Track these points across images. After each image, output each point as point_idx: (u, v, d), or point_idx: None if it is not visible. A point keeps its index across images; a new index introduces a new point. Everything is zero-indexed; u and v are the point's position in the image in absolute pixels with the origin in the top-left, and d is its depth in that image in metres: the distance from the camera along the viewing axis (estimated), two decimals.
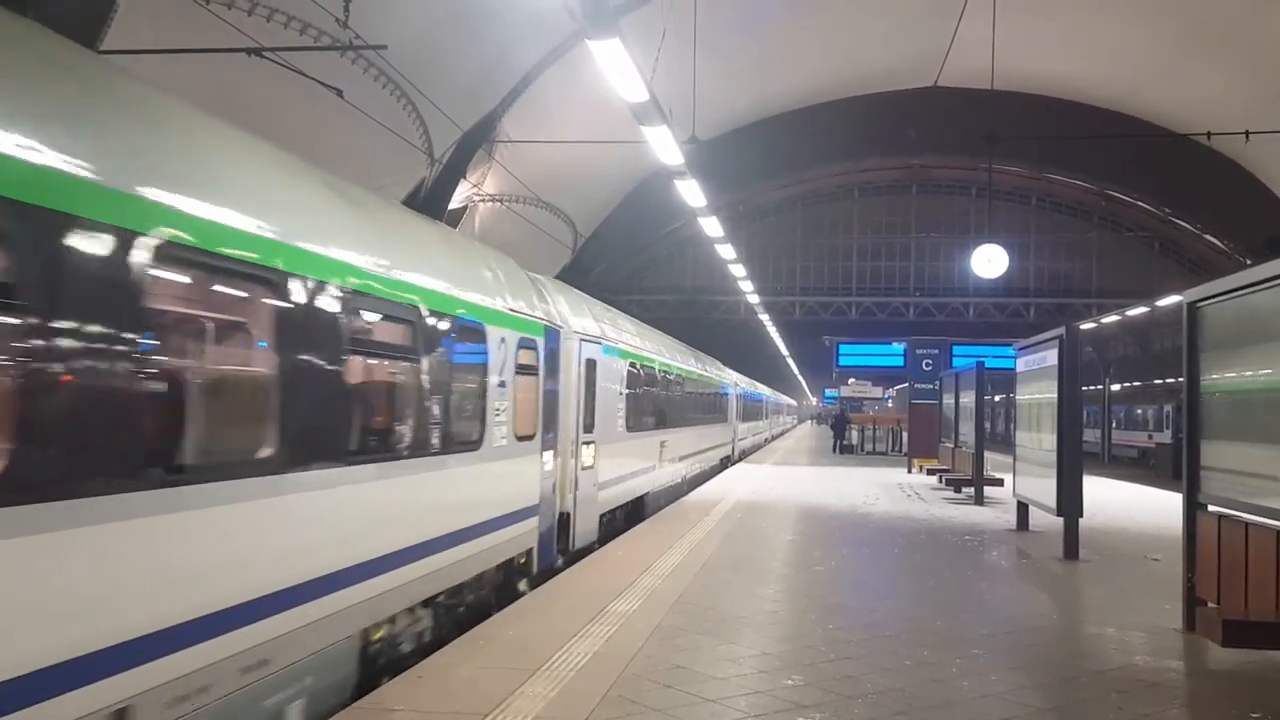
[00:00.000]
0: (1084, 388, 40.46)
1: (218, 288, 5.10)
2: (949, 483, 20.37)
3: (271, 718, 5.16)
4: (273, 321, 5.24)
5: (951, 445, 21.51)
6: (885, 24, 27.25)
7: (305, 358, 5.45)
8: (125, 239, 4.05)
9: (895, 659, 6.84)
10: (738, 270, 28.30)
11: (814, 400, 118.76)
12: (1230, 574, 7.07)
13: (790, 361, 71.25)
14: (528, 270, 11.58)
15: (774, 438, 58.77)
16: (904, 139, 37.50)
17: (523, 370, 9.37)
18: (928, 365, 32.19)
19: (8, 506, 3.48)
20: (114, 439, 4.02)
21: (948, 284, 42.27)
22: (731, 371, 34.83)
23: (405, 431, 6.86)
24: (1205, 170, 31.28)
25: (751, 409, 42.86)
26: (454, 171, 23.07)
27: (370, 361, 6.67)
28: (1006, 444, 19.22)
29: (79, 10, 12.35)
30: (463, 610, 8.13)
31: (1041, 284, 42.35)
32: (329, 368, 5.67)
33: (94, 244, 3.90)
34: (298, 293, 5.36)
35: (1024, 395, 14.49)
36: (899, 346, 35.33)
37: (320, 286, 5.58)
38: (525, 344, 9.48)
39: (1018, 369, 14.75)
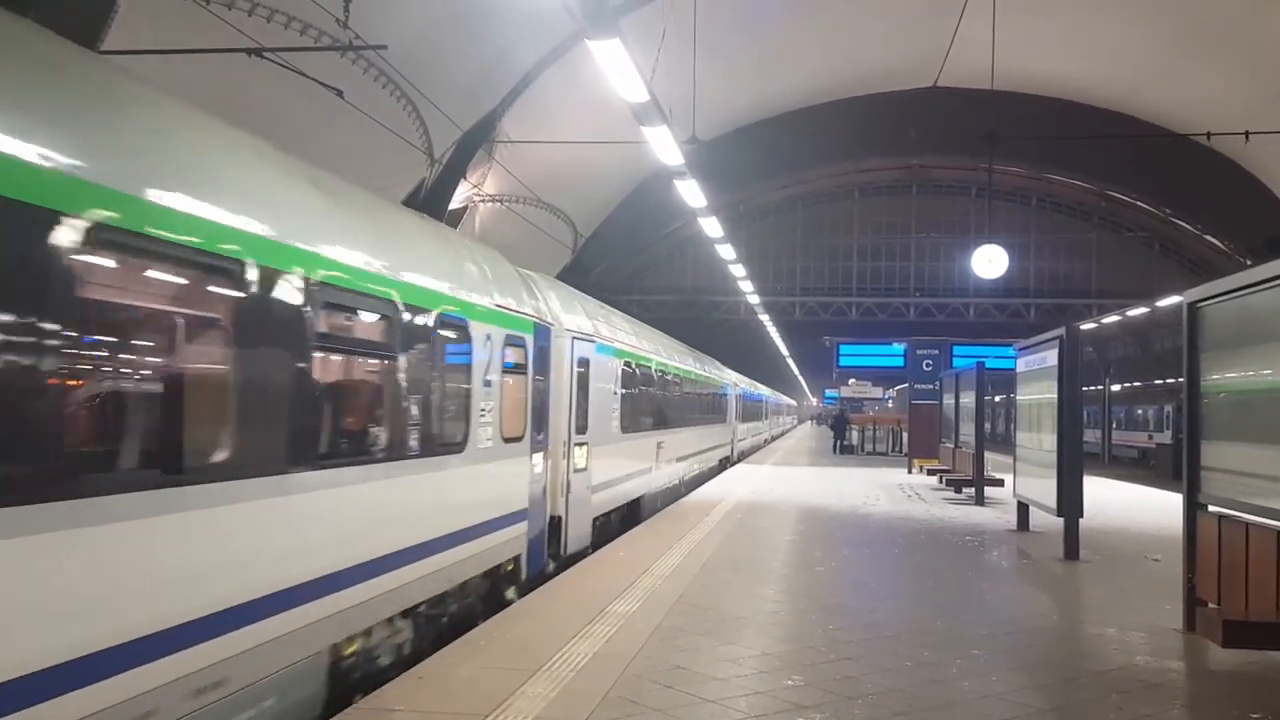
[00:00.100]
0: (1084, 388, 40.49)
1: (152, 274, 4.58)
2: (949, 483, 20.37)
3: None
4: (230, 316, 4.86)
5: (952, 445, 21.51)
6: (885, 24, 27.25)
7: (264, 355, 5.10)
8: (44, 219, 3.69)
9: (896, 659, 6.84)
10: (738, 270, 28.30)
11: (814, 400, 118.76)
12: (1230, 574, 7.06)
13: (790, 362, 71.25)
14: (526, 269, 11.55)
15: (774, 438, 58.75)
16: (904, 139, 37.50)
17: (510, 369, 9.05)
18: (928, 365, 32.21)
19: None
20: (29, 442, 3.64)
21: (948, 284, 42.27)
22: (731, 372, 34.77)
23: (379, 433, 6.53)
24: (1205, 170, 31.28)
25: (751, 409, 42.82)
26: (454, 172, 23.07)
27: (340, 359, 6.38)
28: (1007, 444, 19.21)
29: (80, 10, 12.35)
30: (446, 620, 7.85)
31: (1042, 284, 42.35)
32: (291, 366, 5.34)
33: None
34: (254, 284, 4.98)
35: (1024, 396, 14.49)
36: (899, 347, 35.36)
37: (280, 277, 5.19)
38: (513, 342, 9.16)
39: (1018, 369, 14.75)
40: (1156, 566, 11.12)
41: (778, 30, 26.24)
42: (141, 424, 4.59)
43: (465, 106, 21.24)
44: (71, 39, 4.49)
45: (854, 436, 40.73)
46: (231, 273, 4.86)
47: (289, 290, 5.29)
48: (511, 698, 5.71)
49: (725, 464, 29.49)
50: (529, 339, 9.66)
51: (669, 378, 19.55)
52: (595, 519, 12.61)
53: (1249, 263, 30.37)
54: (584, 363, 12.01)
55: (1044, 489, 12.47)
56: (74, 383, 4.12)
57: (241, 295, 4.90)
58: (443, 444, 7.43)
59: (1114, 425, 53.31)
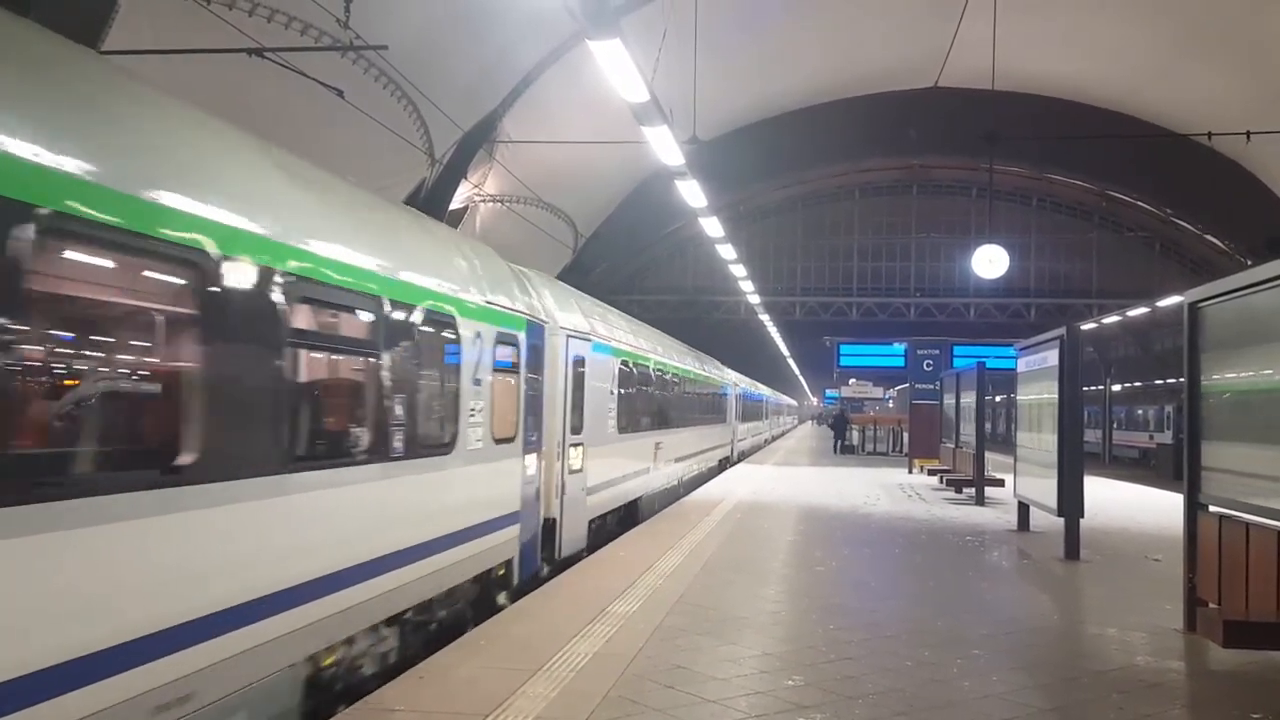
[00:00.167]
0: (1085, 388, 40.48)
1: (106, 264, 4.24)
2: (950, 483, 20.37)
3: None
4: (196, 310, 4.56)
5: (952, 445, 21.51)
6: (885, 24, 27.25)
7: (229, 353, 4.78)
8: None
9: (896, 659, 6.84)
10: (738, 270, 28.31)
11: (815, 400, 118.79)
12: (1231, 574, 7.06)
13: (791, 362, 71.27)
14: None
15: (774, 438, 58.75)
16: (904, 139, 37.49)
17: (502, 368, 8.77)
18: (928, 366, 32.22)
19: None
20: None
21: (948, 284, 42.27)
22: (731, 371, 34.72)
23: (360, 434, 6.23)
24: (1206, 170, 31.27)
25: (751, 409, 42.81)
26: (455, 172, 23.08)
27: (316, 357, 6.01)
28: (1007, 444, 19.21)
29: (80, 10, 12.36)
30: (434, 627, 7.61)
31: (1042, 284, 42.35)
32: (260, 364, 5.05)
33: None
34: (223, 276, 4.69)
35: (1025, 396, 14.49)
36: (900, 347, 35.36)
37: (251, 270, 4.90)
38: (505, 340, 8.86)
39: (1018, 369, 14.75)
40: (1157, 566, 11.12)
41: (778, 30, 26.25)
42: (88, 425, 4.22)
43: (466, 106, 21.25)
44: (72, 39, 4.49)
45: (854, 436, 40.75)
46: (187, 263, 4.50)
47: (257, 283, 4.97)
48: (512, 697, 5.71)
49: (725, 464, 29.42)
50: (521, 337, 9.39)
51: (667, 377, 19.34)
52: (591, 521, 12.39)
53: (1249, 263, 30.36)
54: (579, 362, 11.81)
55: (1044, 489, 12.47)
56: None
57: (203, 288, 4.58)
58: (429, 445, 7.14)
59: (1114, 425, 53.31)
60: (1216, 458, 7.64)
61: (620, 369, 14.40)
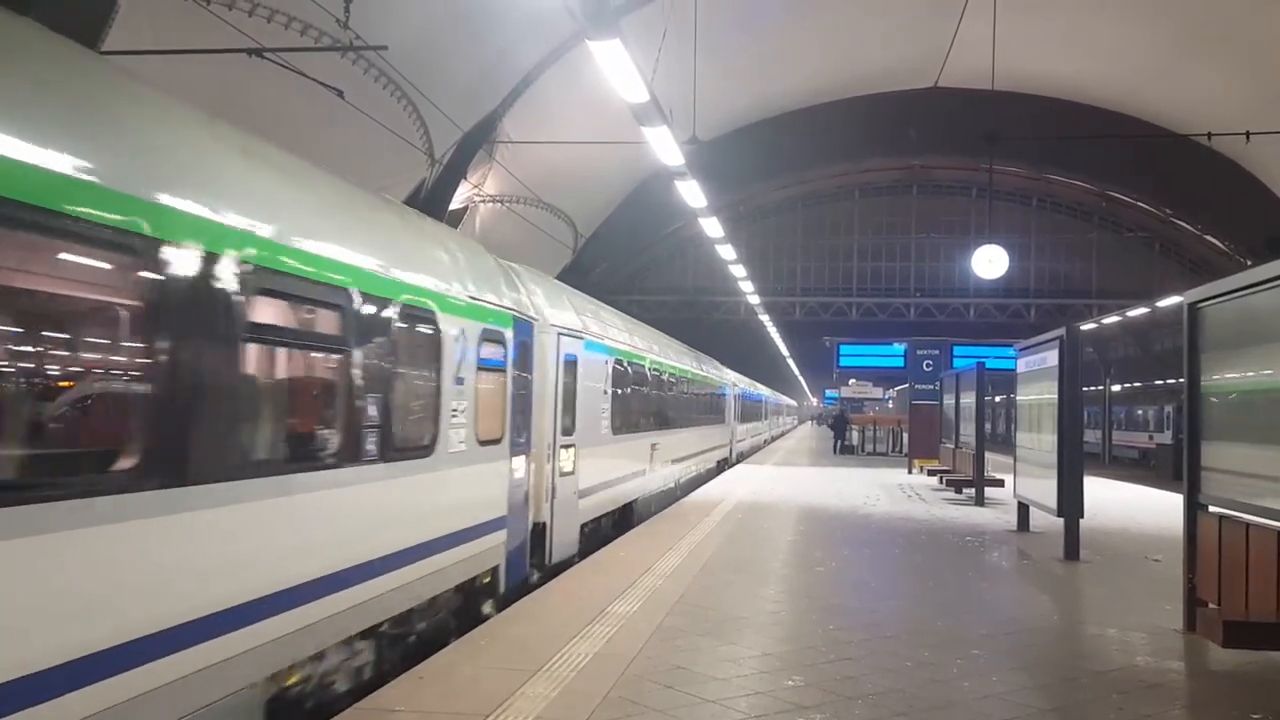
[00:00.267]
0: (1084, 388, 40.48)
1: (26, 250, 3.79)
2: (949, 483, 20.37)
3: None
4: (131, 301, 4.22)
5: (952, 446, 21.51)
6: (885, 24, 27.26)
7: (182, 348, 4.40)
8: None
9: (896, 660, 6.84)
10: (738, 271, 28.31)
11: (814, 401, 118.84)
12: (1231, 575, 7.07)
13: (791, 362, 71.28)
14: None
15: (774, 439, 58.74)
16: (904, 139, 37.51)
17: (487, 366, 8.37)
18: (928, 366, 32.25)
19: None
20: None
21: (948, 284, 42.29)
22: (730, 371, 34.62)
23: (328, 436, 5.86)
24: (1206, 171, 31.29)
25: (750, 410, 42.76)
26: (454, 172, 23.09)
27: (281, 353, 5.67)
28: (1007, 445, 19.21)
29: (80, 11, 12.36)
30: (413, 639, 7.25)
31: (1042, 284, 42.36)
32: (215, 361, 4.67)
33: None
34: (169, 265, 4.30)
35: (1024, 396, 14.49)
36: (899, 347, 35.40)
37: (196, 257, 4.49)
38: (490, 337, 8.46)
39: (1018, 370, 14.75)
40: (1157, 567, 11.12)
41: (778, 30, 26.26)
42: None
43: (466, 107, 21.26)
44: (73, 39, 4.49)
45: (854, 437, 40.77)
46: (117, 247, 4.08)
47: (202, 272, 4.57)
48: (512, 698, 5.71)
49: (723, 466, 29.26)
50: (509, 334, 9.00)
51: (664, 377, 19.03)
52: (583, 525, 12.05)
53: (1249, 263, 30.37)
54: (571, 360, 11.45)
55: (1044, 489, 12.47)
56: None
57: (138, 277, 4.19)
58: (405, 447, 6.74)
59: (1114, 425, 53.34)
60: (1216, 458, 7.64)
61: (615, 368, 14.05)
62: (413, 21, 17.50)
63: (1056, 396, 12.15)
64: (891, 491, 20.70)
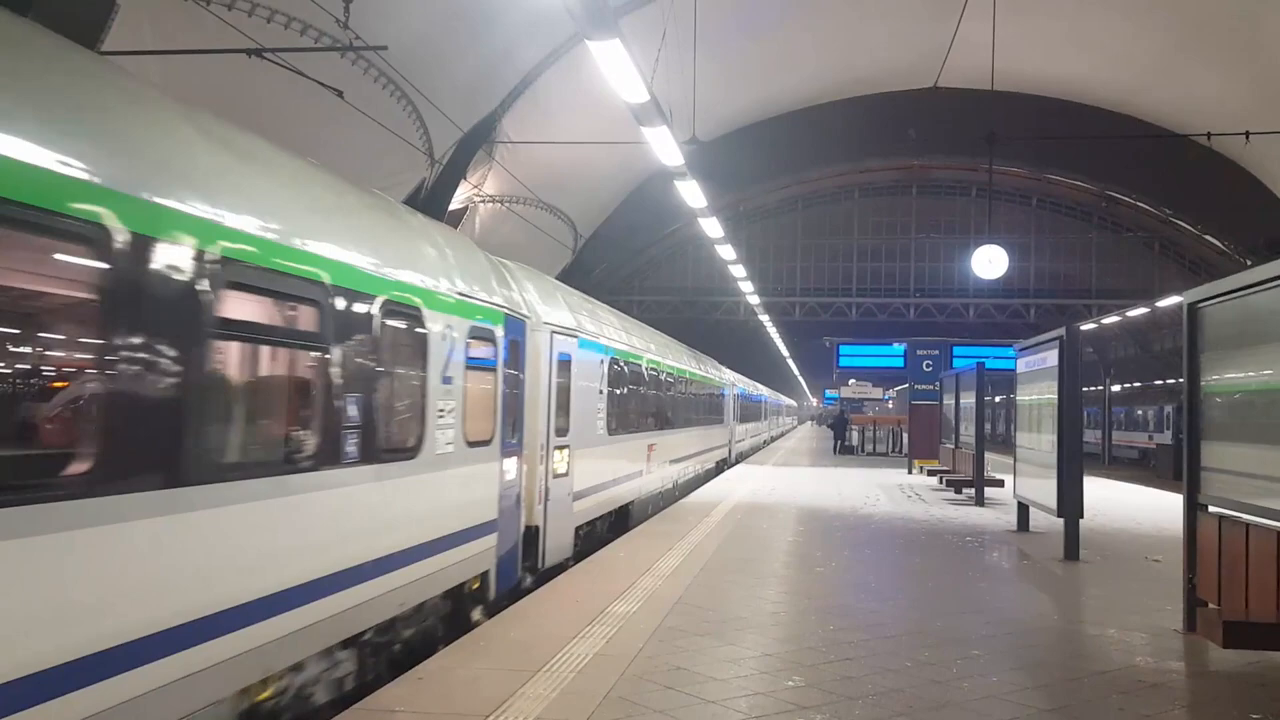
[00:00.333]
0: (1084, 388, 40.51)
1: None
2: (949, 484, 20.38)
3: None
4: (91, 296, 4.01)
5: (952, 446, 21.52)
6: (885, 25, 27.26)
7: (142, 345, 4.17)
8: None
9: (896, 660, 6.84)
10: (738, 271, 28.30)
11: (814, 401, 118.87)
12: (1231, 575, 7.07)
13: (791, 362, 71.29)
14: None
15: (774, 439, 58.75)
16: (904, 140, 37.50)
17: (476, 365, 8.12)
18: (928, 366, 32.25)
19: None
20: None
21: (948, 285, 42.27)
22: (729, 371, 34.58)
23: (305, 438, 5.59)
24: (1205, 171, 31.29)
25: (750, 410, 42.76)
26: (454, 172, 23.08)
27: (251, 350, 5.42)
28: (1007, 445, 19.22)
29: (81, 11, 12.36)
30: (399, 648, 7.04)
31: (1042, 284, 42.34)
32: (182, 358, 4.42)
33: None
34: (128, 256, 4.07)
35: (1024, 396, 14.50)
36: (899, 347, 35.39)
37: (160, 248, 4.27)
38: (479, 335, 8.19)
39: (1018, 370, 14.76)
40: (1157, 567, 11.12)
41: (778, 31, 26.26)
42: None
43: (466, 107, 21.25)
44: (73, 39, 4.49)
45: (854, 437, 40.77)
46: (74, 238, 3.87)
47: (169, 265, 4.33)
48: (512, 698, 5.71)
49: (723, 466, 29.20)
50: (499, 332, 8.75)
51: (662, 377, 18.77)
52: (578, 528, 11.83)
53: (1249, 263, 30.38)
54: (565, 359, 11.19)
55: (1044, 490, 12.47)
56: None
57: (98, 270, 3.95)
58: (389, 449, 6.49)
59: (1114, 426, 53.34)
60: (1216, 458, 7.64)
61: (610, 368, 13.81)
62: (413, 21, 17.50)
63: (1056, 396, 12.15)
64: (891, 492, 20.70)
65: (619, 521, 14.65)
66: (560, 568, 10.66)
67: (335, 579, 5.81)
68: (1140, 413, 50.92)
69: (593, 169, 28.87)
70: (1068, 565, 11.30)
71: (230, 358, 5.03)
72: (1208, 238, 40.59)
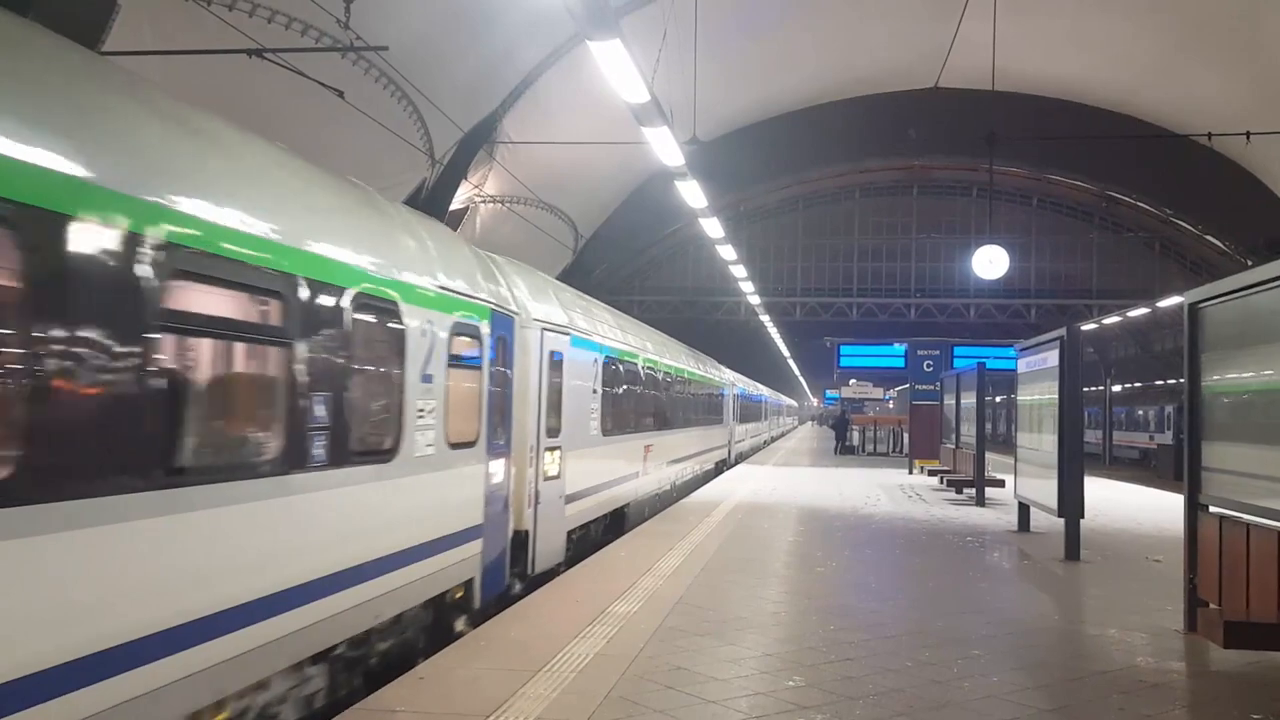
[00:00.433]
0: (1085, 388, 40.47)
1: None
2: (950, 484, 20.38)
3: None
4: (18, 283, 3.65)
5: (953, 446, 21.52)
6: (886, 25, 27.27)
7: (67, 339, 3.81)
8: None
9: (897, 660, 6.84)
10: (738, 271, 28.31)
11: (815, 401, 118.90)
12: (1231, 575, 7.07)
13: (791, 362, 71.31)
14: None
15: (774, 439, 58.73)
16: (905, 140, 37.50)
17: (460, 363, 7.78)
18: (929, 366, 32.24)
19: None
20: None
21: (949, 285, 42.27)
22: (729, 371, 34.50)
23: (266, 440, 5.24)
24: (1206, 171, 31.29)
25: (750, 410, 42.73)
26: (455, 172, 23.09)
27: (203, 346, 5.02)
28: (1007, 445, 19.22)
29: (81, 12, 12.37)
30: (374, 661, 6.69)
31: (1042, 285, 42.34)
32: (115, 354, 4.04)
33: None
34: (62, 241, 3.77)
35: (1025, 396, 14.50)
36: (900, 347, 35.38)
37: (98, 232, 3.94)
38: (463, 331, 7.84)
39: (1019, 370, 14.76)
40: (1158, 567, 11.12)
41: (779, 31, 26.27)
42: None
43: (466, 107, 21.26)
44: (73, 39, 4.48)
45: (855, 437, 40.78)
46: (21, 229, 3.59)
47: (107, 251, 4.01)
48: (512, 698, 5.72)
49: (722, 467, 29.09)
50: (484, 328, 8.37)
51: (659, 376, 18.43)
52: (570, 532, 11.48)
53: (1250, 263, 30.38)
54: (557, 357, 10.79)
55: (1045, 490, 12.47)
56: None
57: (21, 256, 3.62)
58: (361, 452, 6.13)
59: (1115, 426, 53.34)
60: (1217, 458, 7.64)
61: (605, 366, 13.42)
62: (413, 22, 17.51)
63: (1057, 397, 12.15)
64: (892, 492, 20.70)
65: (614, 525, 14.36)
66: (552, 573, 10.36)
67: (299, 591, 5.42)
68: (1141, 413, 50.93)
69: (593, 169, 28.88)
70: (1068, 565, 11.30)
71: (172, 353, 4.62)
72: (1208, 238, 40.58)
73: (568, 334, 11.36)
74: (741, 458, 35.30)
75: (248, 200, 5.13)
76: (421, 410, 6.96)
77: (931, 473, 24.23)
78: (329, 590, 5.73)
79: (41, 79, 4.02)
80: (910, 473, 26.30)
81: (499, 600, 8.84)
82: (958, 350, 33.23)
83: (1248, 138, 20.21)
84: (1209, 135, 21.66)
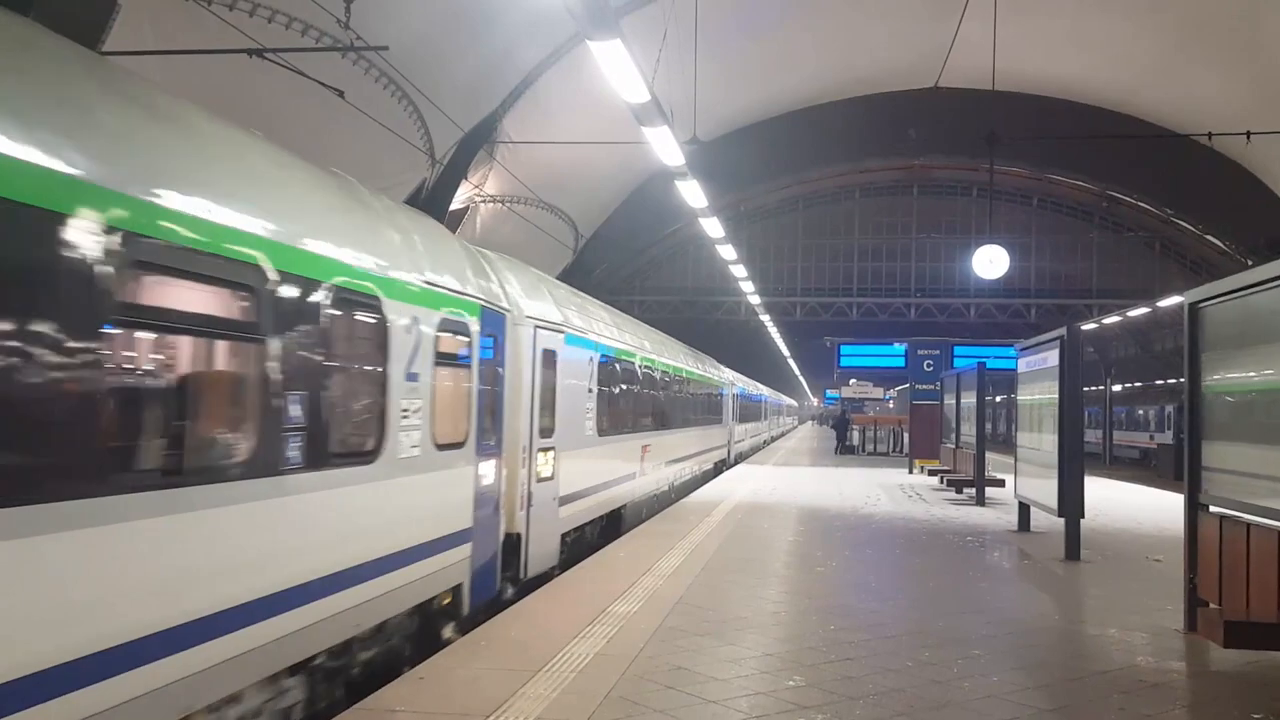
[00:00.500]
0: (1085, 388, 40.48)
1: None
2: (950, 484, 20.38)
3: None
4: None
5: (953, 446, 21.52)
6: (886, 25, 27.28)
7: (16, 334, 3.59)
8: None
9: (897, 660, 6.84)
10: (739, 271, 28.32)
11: (815, 401, 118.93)
12: (1231, 575, 7.07)
13: (791, 362, 71.31)
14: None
15: (774, 439, 58.72)
16: (905, 140, 37.50)
17: (447, 361, 7.53)
18: (929, 366, 32.25)
19: None
20: None
21: (949, 285, 42.27)
22: (728, 370, 34.43)
23: (232, 443, 4.97)
24: (1206, 171, 31.29)
25: (750, 410, 42.69)
26: (455, 172, 23.10)
27: (166, 342, 4.83)
28: (1007, 445, 19.22)
29: (81, 12, 12.37)
30: (356, 671, 6.48)
31: (1043, 284, 42.34)
32: (72, 350, 3.80)
33: None
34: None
35: (1025, 396, 14.50)
36: (900, 347, 35.41)
37: (52, 221, 3.71)
38: (451, 328, 7.59)
39: (1019, 370, 14.76)
40: (1158, 567, 11.12)
41: (779, 31, 26.28)
42: None
43: (466, 107, 21.27)
44: (74, 39, 4.48)
45: (855, 437, 40.80)
46: None
47: (58, 240, 3.76)
48: (512, 698, 5.72)
49: (721, 467, 29.01)
50: (474, 325, 8.11)
51: (657, 375, 18.06)
52: (565, 534, 11.24)
53: (1250, 263, 30.38)
54: (550, 356, 10.52)
55: (1045, 489, 12.47)
56: None
57: None
58: (340, 454, 5.86)
59: (1115, 425, 53.35)
60: (1217, 458, 7.64)
61: (601, 365, 13.14)
62: (413, 22, 17.51)
63: (1057, 396, 12.15)
64: (892, 492, 20.70)
65: (610, 527, 14.14)
66: (545, 577, 10.13)
67: (271, 601, 5.17)
68: (1141, 412, 50.93)
69: (593, 169, 28.89)
70: (1069, 565, 11.30)
71: (133, 349, 4.40)
72: (1209, 237, 40.59)
73: (562, 332, 11.13)
74: (741, 458, 35.27)
75: (209, 184, 4.82)
76: (406, 410, 6.73)
77: (932, 472, 24.23)
78: (305, 599, 5.48)
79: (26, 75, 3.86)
80: (910, 472, 26.30)
81: (490, 605, 8.68)
82: (958, 350, 33.25)
83: (1248, 137, 20.20)
84: (1209, 135, 21.65)
